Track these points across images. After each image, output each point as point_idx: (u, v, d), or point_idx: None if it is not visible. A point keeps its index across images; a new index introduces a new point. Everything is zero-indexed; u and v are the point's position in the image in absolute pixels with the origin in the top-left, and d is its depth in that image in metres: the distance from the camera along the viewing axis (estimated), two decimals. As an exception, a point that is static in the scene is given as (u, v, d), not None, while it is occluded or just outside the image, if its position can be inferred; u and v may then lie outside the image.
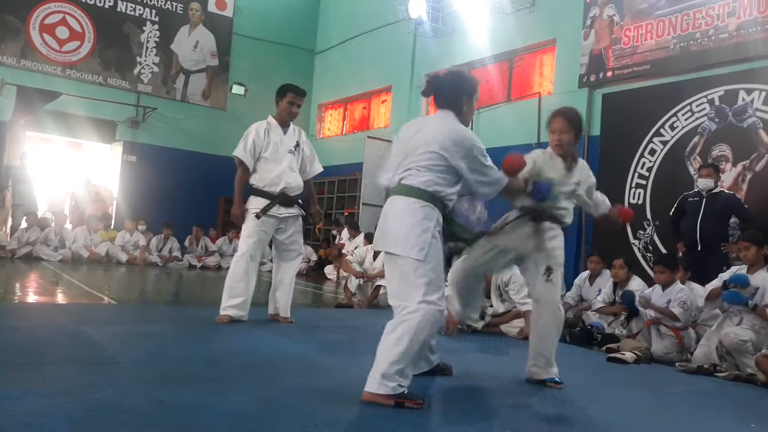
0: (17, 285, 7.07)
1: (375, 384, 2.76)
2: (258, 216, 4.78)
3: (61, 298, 6.11)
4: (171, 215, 11.79)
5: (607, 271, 6.25)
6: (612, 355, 4.58)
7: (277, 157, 4.88)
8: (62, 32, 12.39)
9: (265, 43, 14.42)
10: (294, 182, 4.95)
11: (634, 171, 8.05)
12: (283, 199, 4.87)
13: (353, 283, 6.98)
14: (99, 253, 10.67)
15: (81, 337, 3.81)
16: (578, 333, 5.36)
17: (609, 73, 8.48)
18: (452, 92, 3.11)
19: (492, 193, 3.14)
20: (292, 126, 5.05)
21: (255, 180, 4.88)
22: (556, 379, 3.47)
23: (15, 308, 5.18)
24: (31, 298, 6.12)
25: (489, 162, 3.04)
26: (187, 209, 12.47)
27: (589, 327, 5.44)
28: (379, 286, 6.69)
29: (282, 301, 5.03)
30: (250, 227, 4.83)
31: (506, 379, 3.64)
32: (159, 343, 3.84)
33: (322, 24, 15.24)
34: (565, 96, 9.03)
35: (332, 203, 13.68)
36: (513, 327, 5.34)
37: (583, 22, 8.83)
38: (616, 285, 5.86)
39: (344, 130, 14.50)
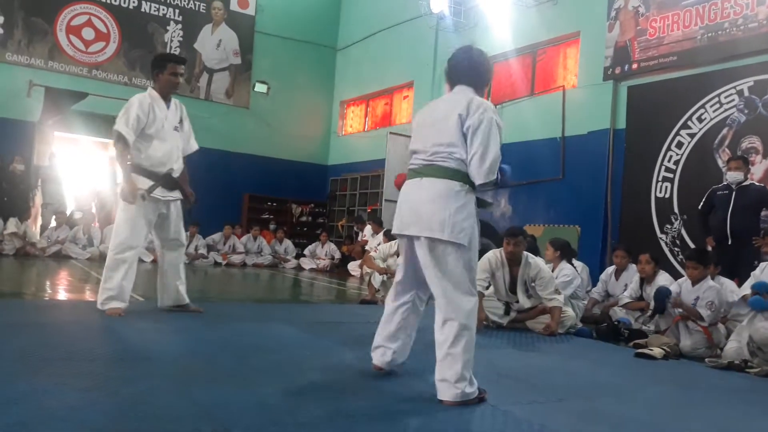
0: (47, 282, 7.21)
1: (458, 393, 2.73)
2: (143, 197, 4.40)
3: (89, 295, 6.21)
4: (196, 213, 11.78)
5: (633, 265, 6.18)
6: (640, 350, 4.53)
7: (163, 134, 4.51)
8: (88, 33, 12.58)
9: (287, 41, 14.49)
10: (178, 163, 4.65)
11: (661, 164, 7.93)
12: (168, 180, 4.53)
13: (377, 280, 6.99)
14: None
15: (111, 334, 3.88)
16: (605, 329, 5.31)
17: (634, 66, 8.36)
18: (481, 71, 3.07)
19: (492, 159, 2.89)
20: (173, 100, 4.66)
21: (139, 158, 4.46)
22: None
23: (46, 305, 5.29)
24: (61, 295, 6.24)
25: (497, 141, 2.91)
26: (211, 207, 12.53)
27: (616, 323, 5.38)
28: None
29: (181, 288, 4.80)
30: (128, 209, 4.42)
31: (532, 374, 3.63)
32: (187, 339, 3.89)
33: (343, 21, 15.25)
34: (590, 89, 8.94)
35: (355, 200, 13.72)
36: (539, 323, 5.31)
37: (608, 14, 8.71)
38: (642, 280, 5.79)
39: (366, 127, 14.51)
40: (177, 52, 13.38)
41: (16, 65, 11.83)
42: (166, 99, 4.59)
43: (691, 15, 7.75)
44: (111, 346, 3.50)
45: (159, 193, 4.50)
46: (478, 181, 2.87)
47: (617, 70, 8.56)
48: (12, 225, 9.98)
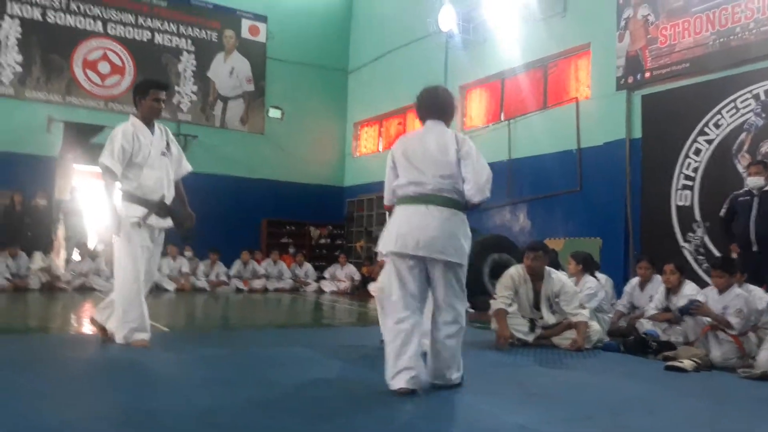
0: (72, 316, 7.28)
1: (459, 376, 3.40)
2: (140, 224, 4.35)
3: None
4: (215, 240, 11.98)
5: (658, 276, 6.08)
6: (670, 363, 4.45)
7: (151, 161, 4.44)
8: (104, 67, 12.82)
9: (299, 66, 14.65)
10: (171, 190, 4.60)
11: (680, 172, 7.86)
12: (161, 207, 4.47)
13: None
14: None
15: (137, 364, 3.90)
16: (632, 342, 5.23)
17: (647, 74, 8.34)
18: (449, 107, 3.51)
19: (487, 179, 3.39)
20: (157, 125, 4.60)
21: (130, 187, 4.41)
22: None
23: (72, 339, 5.33)
24: (87, 328, 6.29)
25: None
26: (230, 233, 12.67)
27: (643, 335, 5.30)
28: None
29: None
30: (132, 240, 4.35)
31: (561, 391, 3.58)
32: (212, 368, 3.90)
33: (353, 43, 15.40)
34: (603, 99, 8.92)
35: (372, 220, 13.74)
36: (564, 338, 5.24)
37: (617, 24, 8.71)
38: (668, 291, 5.71)
39: (381, 147, 14.57)
40: (191, 82, 13.61)
41: (35, 101, 12.07)
42: (150, 125, 4.54)
43: (701, 21, 7.73)
44: (138, 377, 3.52)
45: (152, 220, 4.46)
46: (476, 200, 3.34)
47: (630, 80, 8.54)
48: (38, 259, 10.12)
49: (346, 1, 15.52)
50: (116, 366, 3.90)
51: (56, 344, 4.81)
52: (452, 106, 3.51)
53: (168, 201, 4.55)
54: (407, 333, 3.22)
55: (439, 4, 11.36)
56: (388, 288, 3.39)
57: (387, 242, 3.35)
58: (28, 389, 3.13)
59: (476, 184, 3.30)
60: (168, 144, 4.63)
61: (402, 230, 3.28)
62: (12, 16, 11.97)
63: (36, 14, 12.19)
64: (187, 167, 4.85)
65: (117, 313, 4.42)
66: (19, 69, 11.98)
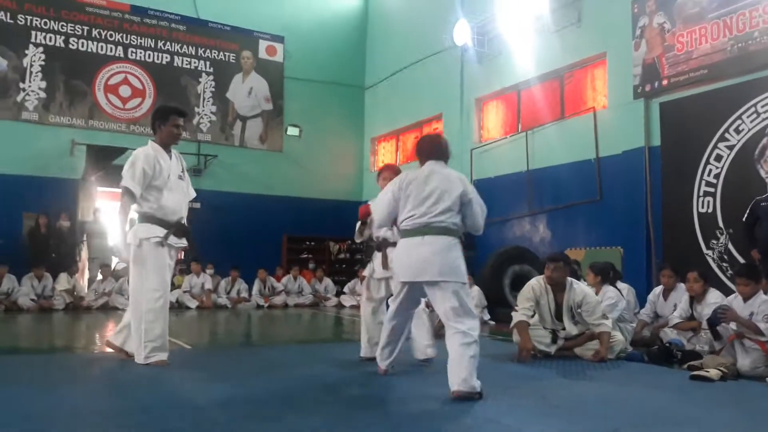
0: (97, 335, 7.36)
1: (471, 386, 3.46)
2: (162, 244, 4.49)
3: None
4: (237, 257, 12.08)
5: (682, 284, 6.02)
6: (695, 373, 4.37)
7: (170, 184, 4.61)
8: (125, 91, 13.07)
9: (316, 84, 14.79)
10: (185, 212, 4.76)
11: (701, 179, 7.77)
12: (179, 227, 4.63)
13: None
14: (170, 300, 10.98)
15: (162, 383, 3.93)
16: (656, 351, 5.16)
17: (664, 82, 8.29)
18: (447, 150, 4.08)
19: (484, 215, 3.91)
20: (173, 151, 4.76)
21: (150, 208, 4.53)
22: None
23: (97, 358, 5.40)
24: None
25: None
26: (251, 250, 12.76)
27: (667, 344, 5.23)
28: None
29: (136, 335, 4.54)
30: (158, 257, 4.49)
31: (585, 404, 3.54)
32: (236, 385, 3.91)
33: (369, 60, 15.53)
34: (621, 108, 8.88)
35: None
36: (587, 349, 5.18)
37: (633, 33, 8.69)
38: (692, 299, 5.63)
39: (398, 161, 14.61)
40: (210, 103, 13.81)
41: (59, 126, 12.32)
42: (168, 150, 4.69)
43: (718, 27, 7.68)
44: (163, 396, 3.54)
45: (172, 240, 4.59)
46: (478, 233, 3.95)
47: (647, 88, 8.49)
48: (63, 280, 10.28)
49: (361, 19, 15.68)
50: (140, 385, 3.94)
51: (81, 363, 4.87)
52: (449, 150, 4.09)
53: (185, 222, 4.72)
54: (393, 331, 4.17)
55: (453, 18, 11.44)
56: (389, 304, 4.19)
57: (397, 273, 3.94)
58: (54, 409, 3.17)
59: (476, 224, 3.86)
60: (183, 169, 4.80)
61: (403, 261, 3.83)
62: (36, 45, 12.27)
63: (59, 41, 12.48)
64: (192, 193, 4.97)
65: (138, 332, 4.49)
66: (43, 95, 12.26)
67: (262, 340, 7.46)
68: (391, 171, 4.80)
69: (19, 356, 5.37)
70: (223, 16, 13.99)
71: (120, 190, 4.55)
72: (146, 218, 4.55)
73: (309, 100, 14.67)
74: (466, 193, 3.79)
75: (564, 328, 5.27)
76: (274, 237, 13.79)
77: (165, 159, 4.62)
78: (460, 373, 3.46)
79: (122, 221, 4.53)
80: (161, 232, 4.52)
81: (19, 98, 12.06)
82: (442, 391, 3.54)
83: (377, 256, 4.82)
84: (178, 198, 4.66)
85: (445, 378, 3.54)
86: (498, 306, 8.65)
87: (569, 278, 5.27)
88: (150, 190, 4.53)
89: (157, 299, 4.48)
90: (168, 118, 4.66)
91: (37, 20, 12.28)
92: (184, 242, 4.72)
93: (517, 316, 5.17)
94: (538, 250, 9.65)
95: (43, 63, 12.31)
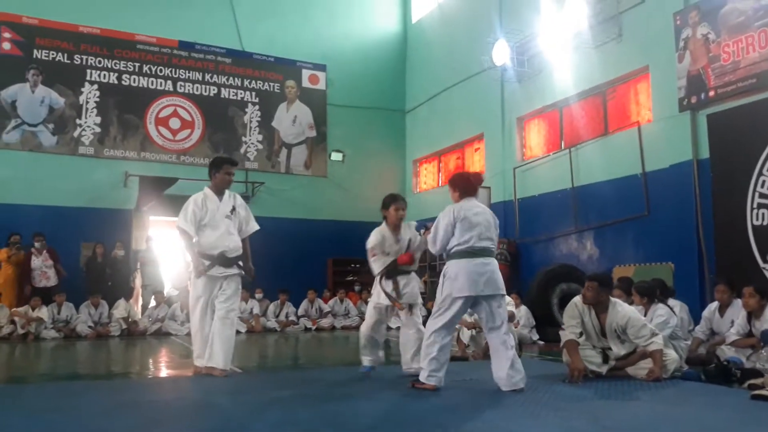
0: (150, 360, 7.57)
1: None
2: (198, 276, 5.35)
3: (191, 369, 6.47)
4: (284, 281, 12.25)
5: (738, 300, 5.83)
6: (756, 392, 4.21)
7: (214, 223, 5.38)
8: (174, 123, 13.54)
9: (358, 109, 15.03)
10: (232, 244, 5.43)
11: (754, 191, 7.55)
12: (222, 260, 5.36)
13: (465, 335, 6.92)
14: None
15: (213, 408, 4.02)
16: (714, 370, 5.00)
17: (711, 93, 8.12)
18: (476, 187, 4.77)
19: None
20: (227, 192, 5.56)
21: (198, 244, 5.37)
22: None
23: (151, 383, 5.56)
24: (163, 372, 6.53)
25: None
26: (298, 273, 12.95)
27: (725, 362, 5.06)
28: (493, 336, 6.58)
29: (217, 353, 5.29)
30: (197, 286, 5.43)
31: (640, 425, 3.46)
32: (286, 409, 3.96)
33: (409, 84, 15.69)
34: (667, 122, 8.73)
35: (434, 255, 13.69)
36: (641, 368, 5.04)
37: (676, 45, 8.56)
38: (750, 314, 5.45)
39: (440, 182, 14.65)
40: (256, 131, 14.16)
41: (113, 159, 12.83)
42: (221, 194, 5.50)
43: (766, 35, 7.50)
44: (215, 420, 3.63)
45: (215, 271, 5.37)
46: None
47: (693, 100, 8.33)
48: (121, 308, 10.61)
49: (401, 44, 15.89)
50: (195, 409, 4.04)
51: (138, 388, 5.03)
52: (476, 187, 4.76)
53: (230, 254, 5.41)
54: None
55: (492, 39, 11.48)
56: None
57: (460, 288, 4.40)
58: None
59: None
60: (234, 208, 5.53)
61: (473, 277, 4.38)
62: (91, 82, 12.86)
63: (112, 78, 13.05)
64: (254, 227, 5.74)
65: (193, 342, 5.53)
66: (98, 129, 12.81)
67: (311, 362, 7.52)
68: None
69: (80, 382, 5.56)
70: (267, 48, 14.40)
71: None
72: (199, 253, 5.37)
73: (351, 125, 14.91)
74: (496, 225, 4.64)
75: (611, 349, 5.16)
76: (320, 260, 13.96)
77: (214, 201, 5.44)
78: (514, 374, 4.33)
79: (190, 252, 5.41)
80: (204, 264, 5.32)
81: (76, 134, 12.64)
82: (492, 414, 3.51)
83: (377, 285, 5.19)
84: (220, 234, 5.39)
85: (493, 400, 3.51)
86: (546, 325, 8.53)
87: (613, 299, 5.17)
88: (200, 228, 5.38)
89: (196, 319, 5.47)
90: (221, 167, 5.49)
91: (91, 59, 12.89)
92: (232, 270, 5.43)
93: (565, 335, 5.10)
94: (585, 267, 9.49)
95: (98, 99, 12.88)
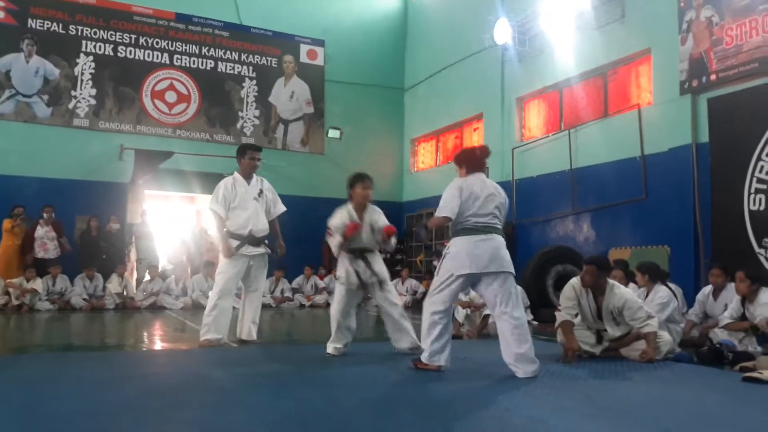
0: (145, 333, 7.58)
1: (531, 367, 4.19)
2: (226, 256, 5.72)
3: (186, 343, 6.48)
4: (280, 258, 12.22)
5: (732, 284, 5.85)
6: (748, 374, 4.25)
7: (244, 204, 5.79)
8: (171, 96, 13.40)
9: (356, 86, 14.89)
10: (260, 225, 5.86)
11: (752, 176, 7.54)
12: (251, 239, 5.76)
13: (460, 314, 6.94)
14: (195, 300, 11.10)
15: (208, 381, 4.03)
16: (706, 352, 5.03)
17: (712, 77, 8.06)
18: (484, 163, 4.61)
19: None
20: (255, 177, 5.97)
21: (228, 225, 5.75)
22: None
23: (146, 355, 5.57)
24: (158, 345, 6.54)
25: None
26: (294, 251, 12.83)
27: (717, 345, 5.09)
28: (487, 315, 6.61)
29: (247, 326, 5.95)
30: (224, 264, 5.76)
31: (633, 406, 3.48)
32: (281, 383, 3.98)
33: (409, 61, 15.55)
34: (667, 105, 8.68)
35: (432, 234, 13.70)
36: (634, 350, 5.08)
37: (679, 27, 8.48)
38: (744, 298, 5.47)
39: (438, 162, 14.60)
40: (253, 107, 14.04)
41: (108, 132, 12.71)
42: (248, 177, 5.92)
43: (769, 19, 7.43)
44: (211, 393, 3.63)
45: (245, 249, 5.74)
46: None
47: (694, 83, 8.28)
48: (115, 282, 10.60)
49: (401, 21, 15.72)
50: (189, 381, 4.05)
51: (132, 361, 5.03)
52: (484, 163, 4.60)
53: (258, 234, 5.82)
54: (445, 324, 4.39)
55: (493, 18, 11.36)
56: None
57: (461, 265, 4.25)
58: (109, 406, 3.29)
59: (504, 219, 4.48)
60: (261, 191, 5.94)
61: (476, 254, 4.24)
62: (86, 53, 12.69)
63: (108, 50, 12.88)
64: (281, 208, 6.18)
65: (204, 317, 5.76)
66: (93, 102, 12.67)
67: (305, 338, 7.54)
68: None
69: (74, 353, 5.56)
70: (265, 22, 14.21)
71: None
72: (229, 233, 5.74)
73: (349, 102, 14.78)
74: (503, 201, 4.46)
75: (606, 330, 5.18)
76: (316, 238, 13.89)
77: (242, 185, 5.85)
78: (519, 350, 4.13)
79: (220, 233, 5.81)
80: (234, 243, 5.70)
81: (70, 105, 12.50)
82: (487, 391, 3.53)
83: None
84: (248, 215, 5.79)
85: (488, 378, 3.53)
86: (541, 306, 8.56)
87: (610, 281, 5.18)
88: (230, 210, 5.77)
89: (216, 295, 5.73)
90: (246, 153, 5.92)
91: (87, 30, 12.70)
92: (260, 250, 5.87)
93: (560, 316, 5.11)
94: (582, 249, 9.50)
95: (93, 71, 12.72)
